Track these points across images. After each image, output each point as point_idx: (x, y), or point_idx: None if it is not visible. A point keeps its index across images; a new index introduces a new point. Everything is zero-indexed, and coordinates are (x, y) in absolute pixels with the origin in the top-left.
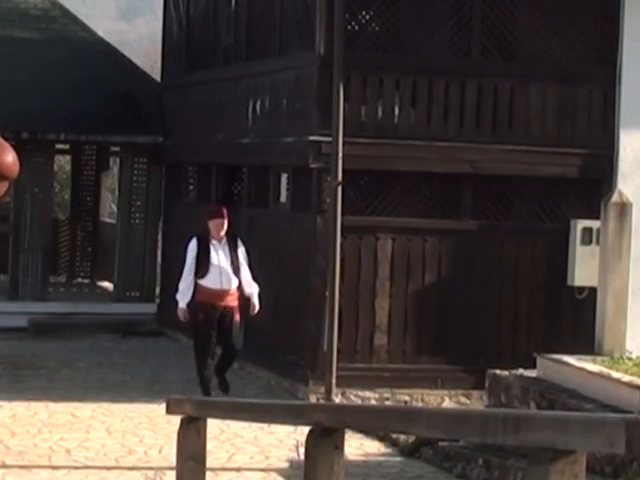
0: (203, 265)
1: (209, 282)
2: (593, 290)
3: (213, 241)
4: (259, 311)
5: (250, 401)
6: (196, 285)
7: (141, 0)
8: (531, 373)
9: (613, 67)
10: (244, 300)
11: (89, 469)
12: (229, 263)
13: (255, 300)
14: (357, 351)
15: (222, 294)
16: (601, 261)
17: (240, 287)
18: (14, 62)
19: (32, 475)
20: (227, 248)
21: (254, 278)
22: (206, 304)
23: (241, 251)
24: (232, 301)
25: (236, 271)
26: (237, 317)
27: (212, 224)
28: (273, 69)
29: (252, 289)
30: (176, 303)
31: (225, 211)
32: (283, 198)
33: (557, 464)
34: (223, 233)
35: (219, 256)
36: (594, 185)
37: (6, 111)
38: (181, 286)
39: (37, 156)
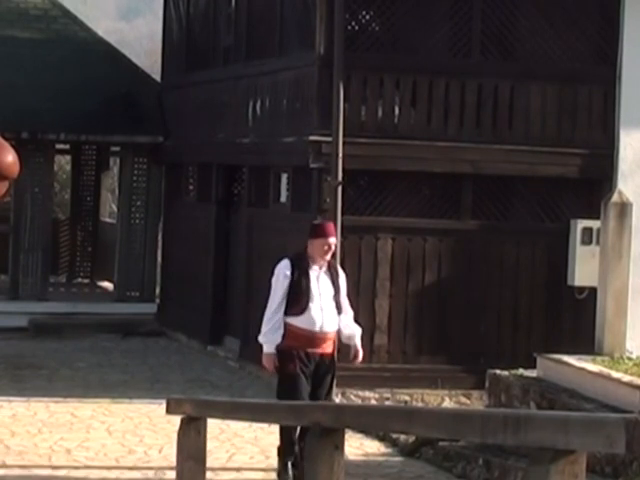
0: (300, 299)
1: (306, 322)
2: (593, 290)
3: (314, 267)
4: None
5: (250, 401)
6: (284, 324)
7: (141, 0)
8: (531, 373)
9: (613, 67)
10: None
11: (89, 469)
12: (331, 297)
13: (359, 344)
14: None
15: (321, 338)
16: (601, 261)
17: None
18: (14, 62)
19: (32, 475)
20: (328, 277)
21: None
22: (299, 351)
23: (342, 280)
24: (329, 347)
25: (338, 308)
26: (334, 369)
27: (317, 244)
28: (273, 69)
29: (355, 330)
30: (258, 346)
31: (334, 228)
32: (283, 198)
33: (557, 464)
34: (328, 257)
35: (320, 287)
36: (594, 185)
37: (6, 111)
38: (267, 324)
39: (37, 156)
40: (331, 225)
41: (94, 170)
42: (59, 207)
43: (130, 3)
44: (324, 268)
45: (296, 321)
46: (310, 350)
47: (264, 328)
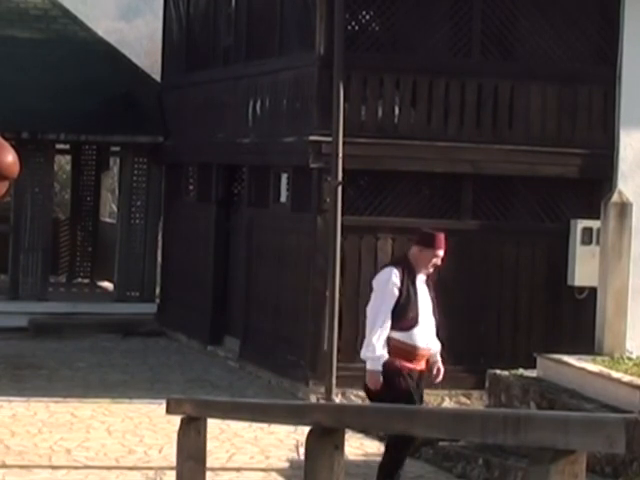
0: (408, 313)
1: (413, 338)
2: (593, 290)
3: (418, 277)
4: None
5: (250, 401)
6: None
7: (141, 0)
8: (531, 373)
9: (613, 67)
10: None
11: (89, 469)
12: (431, 311)
13: (440, 361)
14: (357, 351)
15: (423, 355)
16: (601, 261)
17: None
18: (14, 62)
19: (32, 475)
20: (427, 289)
21: None
22: (405, 370)
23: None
24: (424, 363)
25: (436, 321)
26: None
27: (426, 255)
28: (273, 69)
29: (438, 347)
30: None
31: (445, 239)
32: (283, 198)
33: (557, 464)
34: (432, 269)
35: (424, 301)
36: (594, 185)
37: (6, 111)
38: (376, 339)
39: (37, 156)
40: (443, 236)
41: (94, 170)
42: (59, 207)
43: (130, 3)
44: (424, 279)
45: (403, 336)
46: (412, 366)
47: (372, 342)
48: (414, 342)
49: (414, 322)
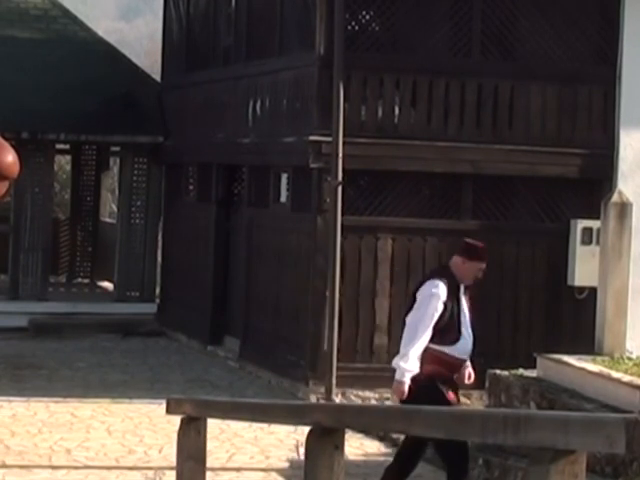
0: (452, 327)
1: (456, 350)
2: (593, 290)
3: (460, 288)
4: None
5: (250, 401)
6: (427, 349)
7: (141, 0)
8: (531, 373)
9: (613, 67)
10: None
11: (89, 469)
12: (469, 320)
13: (470, 365)
14: (357, 351)
15: (462, 365)
16: (601, 261)
17: None
18: (14, 62)
19: (32, 475)
20: (467, 298)
21: None
22: (447, 379)
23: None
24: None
25: (474, 331)
26: None
27: (471, 267)
28: (273, 69)
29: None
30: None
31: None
32: (283, 198)
33: (557, 464)
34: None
35: (465, 312)
36: (594, 185)
37: (6, 111)
38: (412, 350)
39: (37, 156)
40: (486, 248)
41: (94, 170)
42: (59, 207)
43: (130, 3)
44: (463, 290)
45: (446, 349)
46: (450, 375)
47: (409, 354)
48: (456, 355)
49: (457, 336)
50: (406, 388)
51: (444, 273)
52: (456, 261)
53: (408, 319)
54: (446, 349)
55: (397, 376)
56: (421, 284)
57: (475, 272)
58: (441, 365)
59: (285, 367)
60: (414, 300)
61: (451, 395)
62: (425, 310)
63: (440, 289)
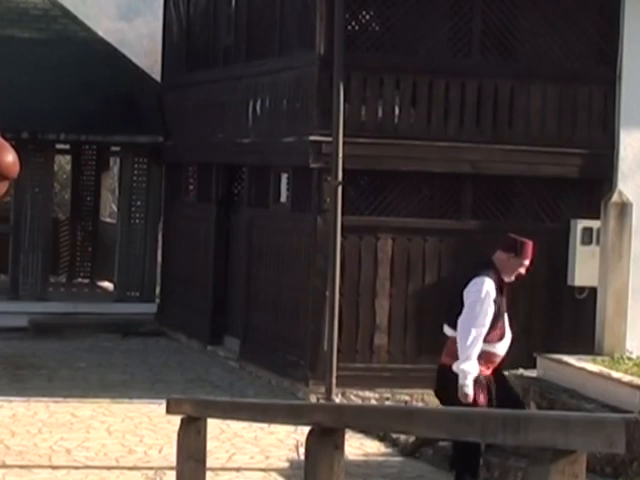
0: (498, 324)
1: (501, 348)
2: (593, 290)
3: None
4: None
5: (250, 401)
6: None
7: (141, 0)
8: (531, 373)
9: (613, 67)
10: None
11: (89, 469)
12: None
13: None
14: (357, 351)
15: (502, 362)
16: (601, 261)
17: None
18: (14, 62)
19: (32, 475)
20: (505, 295)
21: None
22: (489, 379)
23: None
24: None
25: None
26: None
27: (515, 263)
28: (273, 69)
29: None
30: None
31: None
32: (283, 198)
33: (557, 464)
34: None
35: (505, 309)
36: (594, 185)
37: (6, 111)
38: (474, 352)
39: (37, 156)
40: (534, 245)
41: (94, 170)
42: (59, 207)
43: (130, 3)
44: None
45: (494, 348)
46: (488, 372)
47: (470, 355)
48: (500, 352)
49: (503, 334)
50: (471, 391)
51: (490, 269)
52: (500, 256)
53: (462, 320)
54: (494, 346)
55: (460, 380)
56: (467, 281)
57: (518, 269)
58: (486, 363)
59: (285, 367)
60: (460, 297)
61: (483, 398)
62: (480, 309)
63: (491, 288)
